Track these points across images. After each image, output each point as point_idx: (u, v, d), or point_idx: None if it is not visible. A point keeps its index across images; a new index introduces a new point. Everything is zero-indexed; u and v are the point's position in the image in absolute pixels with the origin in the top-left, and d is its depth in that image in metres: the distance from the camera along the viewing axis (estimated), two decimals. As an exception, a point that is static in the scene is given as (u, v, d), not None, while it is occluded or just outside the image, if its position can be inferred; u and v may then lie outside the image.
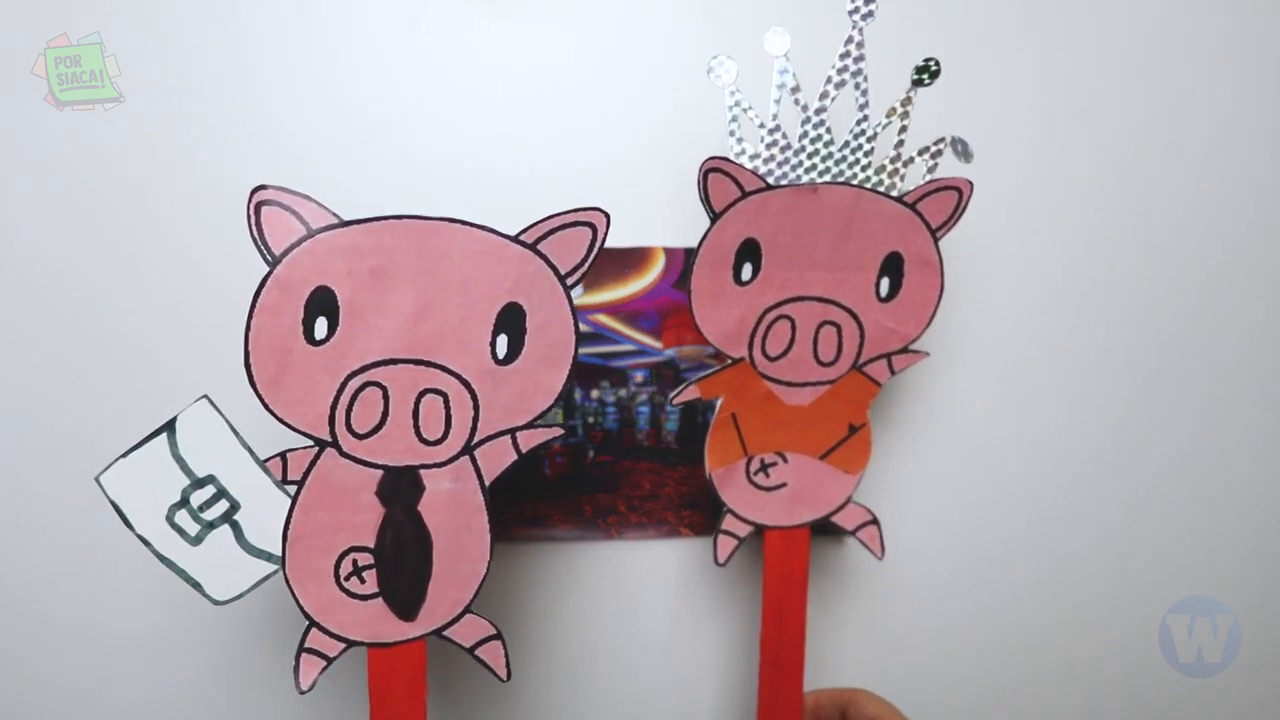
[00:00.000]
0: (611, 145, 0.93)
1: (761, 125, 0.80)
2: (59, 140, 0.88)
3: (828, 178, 0.81)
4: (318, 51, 0.90)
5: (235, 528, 0.65)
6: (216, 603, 0.65)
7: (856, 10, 0.79)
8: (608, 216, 0.67)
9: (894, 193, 0.80)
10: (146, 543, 0.64)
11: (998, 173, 0.94)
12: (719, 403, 0.82)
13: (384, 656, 0.70)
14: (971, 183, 0.79)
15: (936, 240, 0.81)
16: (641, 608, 1.00)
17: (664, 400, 0.95)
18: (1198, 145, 1.01)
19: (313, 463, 0.66)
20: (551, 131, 0.93)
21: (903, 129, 0.81)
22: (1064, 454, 1.04)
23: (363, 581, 0.68)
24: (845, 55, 0.79)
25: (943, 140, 0.81)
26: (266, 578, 0.66)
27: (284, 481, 0.66)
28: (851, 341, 0.82)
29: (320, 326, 0.64)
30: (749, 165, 0.79)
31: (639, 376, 0.95)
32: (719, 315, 0.79)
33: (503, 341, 0.67)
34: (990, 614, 1.05)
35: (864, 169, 0.81)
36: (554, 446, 0.71)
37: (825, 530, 0.87)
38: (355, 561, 0.68)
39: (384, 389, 0.65)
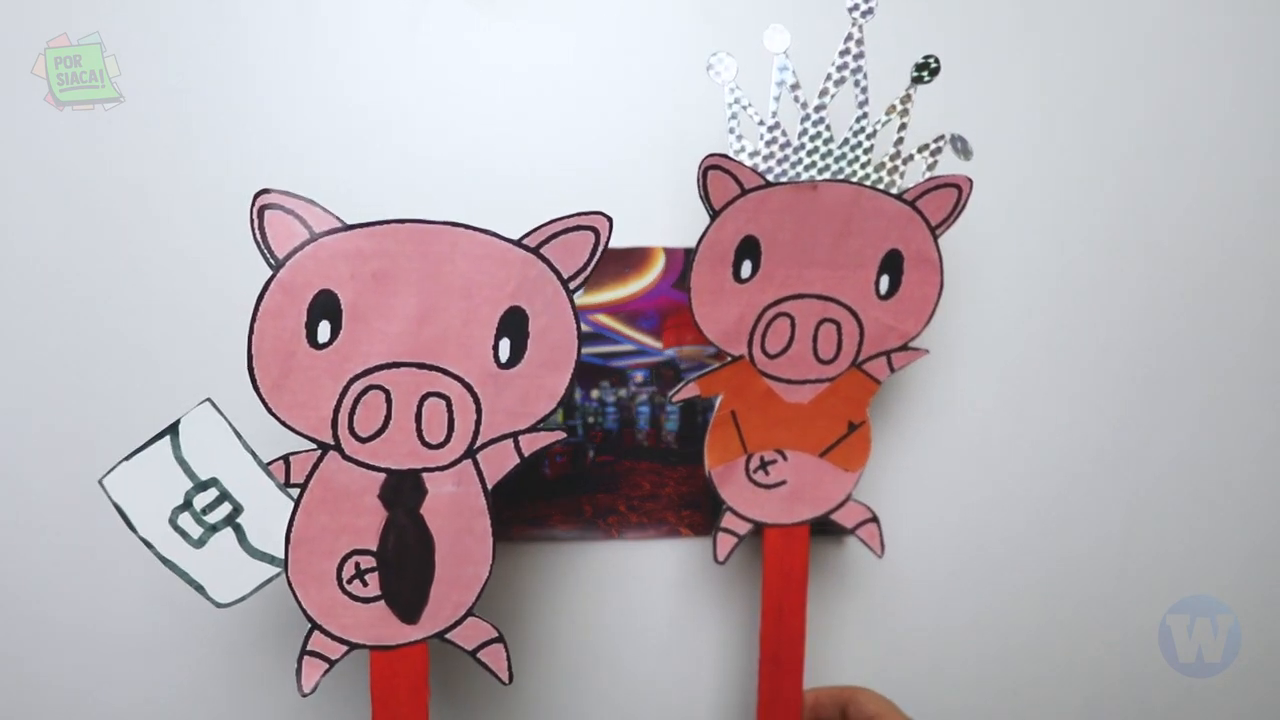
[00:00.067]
0: (611, 145, 0.93)
1: (761, 123, 0.80)
2: (59, 140, 0.88)
3: (827, 175, 0.81)
4: (318, 51, 0.90)
5: (238, 530, 0.65)
6: (219, 605, 0.65)
7: (856, 8, 0.79)
8: (610, 220, 0.67)
9: (893, 190, 0.80)
10: (149, 545, 0.64)
11: (998, 172, 0.94)
12: (718, 401, 0.82)
13: (386, 659, 0.70)
14: (971, 180, 0.79)
15: (936, 238, 0.81)
16: (641, 607, 1.00)
17: (664, 400, 0.95)
18: (1198, 145, 1.01)
19: (315, 466, 0.66)
20: (551, 131, 0.93)
21: (902, 126, 0.81)
22: (1064, 454, 1.04)
23: (365, 584, 0.68)
24: (845, 52, 0.80)
25: (942, 138, 0.81)
26: (269, 580, 0.66)
27: (287, 484, 0.66)
28: (851, 339, 0.82)
29: (323, 330, 0.64)
30: (748, 163, 0.79)
31: (639, 376, 0.95)
32: (718, 313, 0.79)
33: (505, 345, 0.67)
34: (990, 614, 1.05)
35: (863, 166, 0.81)
36: (554, 446, 0.71)
37: (825, 529, 0.87)
38: (358, 564, 0.68)
39: (387, 392, 0.65)
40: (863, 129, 0.80)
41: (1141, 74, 1.00)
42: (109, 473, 0.63)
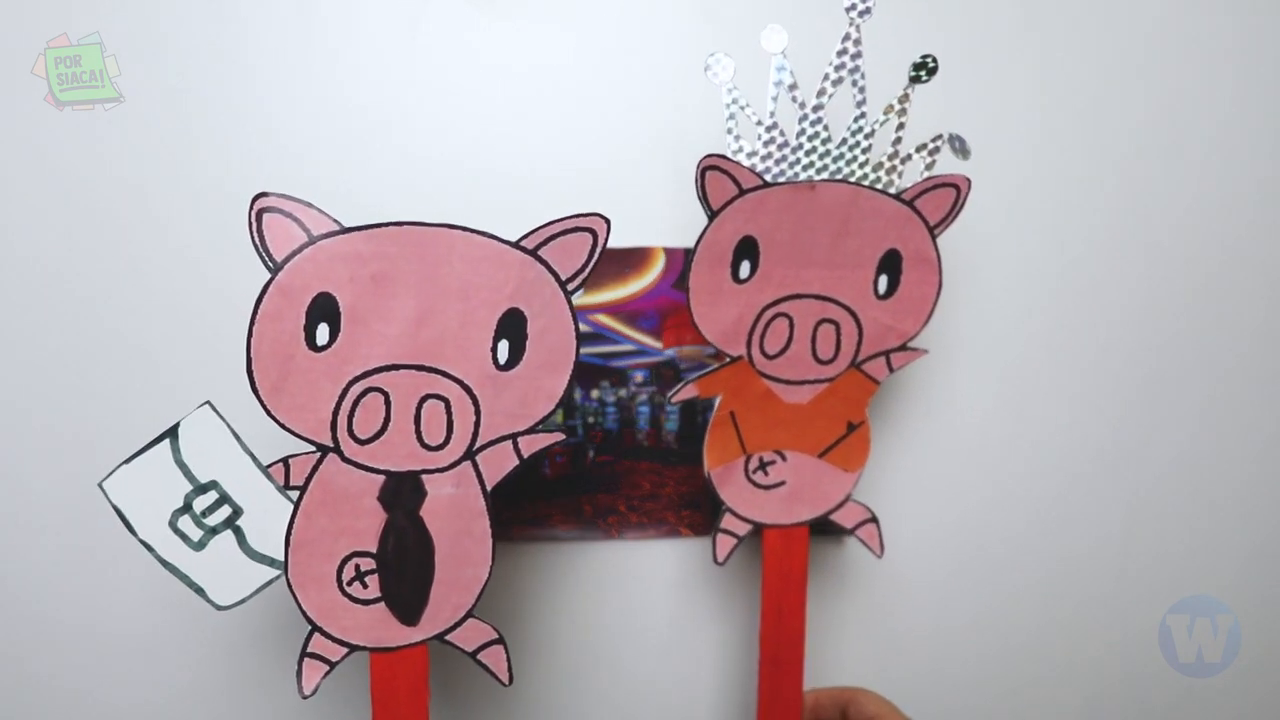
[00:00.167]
0: (611, 145, 0.93)
1: (759, 123, 0.80)
2: (59, 140, 0.88)
3: (825, 175, 0.81)
4: (318, 51, 0.90)
5: (238, 533, 0.65)
6: (219, 608, 0.66)
7: (854, 7, 0.79)
8: (608, 222, 0.67)
9: (892, 190, 0.80)
10: (150, 548, 0.64)
11: (997, 171, 0.94)
12: (717, 401, 0.82)
13: (386, 661, 0.70)
14: (969, 179, 0.79)
15: (934, 237, 0.81)
16: (641, 608, 1.00)
17: (664, 400, 0.95)
18: (1198, 145, 1.01)
19: (315, 468, 0.66)
20: (551, 131, 0.93)
21: (900, 126, 0.81)
22: (1064, 454, 1.04)
23: (365, 586, 0.68)
24: (843, 52, 0.80)
25: (940, 137, 0.81)
26: (269, 583, 0.66)
27: (286, 487, 0.66)
28: (850, 339, 0.82)
29: (322, 333, 0.64)
30: (746, 163, 0.80)
31: (639, 376, 0.95)
32: (717, 313, 0.79)
33: (504, 347, 0.67)
34: (990, 614, 1.05)
35: (861, 166, 0.81)
36: (554, 446, 0.71)
37: (824, 529, 0.87)
38: (358, 566, 0.68)
39: (386, 394, 0.65)
40: (861, 129, 0.80)
41: (1141, 74, 1.00)
42: (109, 476, 0.63)
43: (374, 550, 0.68)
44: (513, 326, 0.67)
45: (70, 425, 0.90)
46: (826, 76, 0.80)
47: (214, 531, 0.65)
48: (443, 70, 0.91)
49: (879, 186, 0.80)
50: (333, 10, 0.89)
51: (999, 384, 1.02)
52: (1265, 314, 1.04)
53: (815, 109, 0.80)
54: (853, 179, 0.81)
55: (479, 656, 0.71)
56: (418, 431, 0.67)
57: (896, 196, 0.79)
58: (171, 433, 0.63)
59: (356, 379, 0.65)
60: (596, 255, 0.67)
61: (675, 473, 0.97)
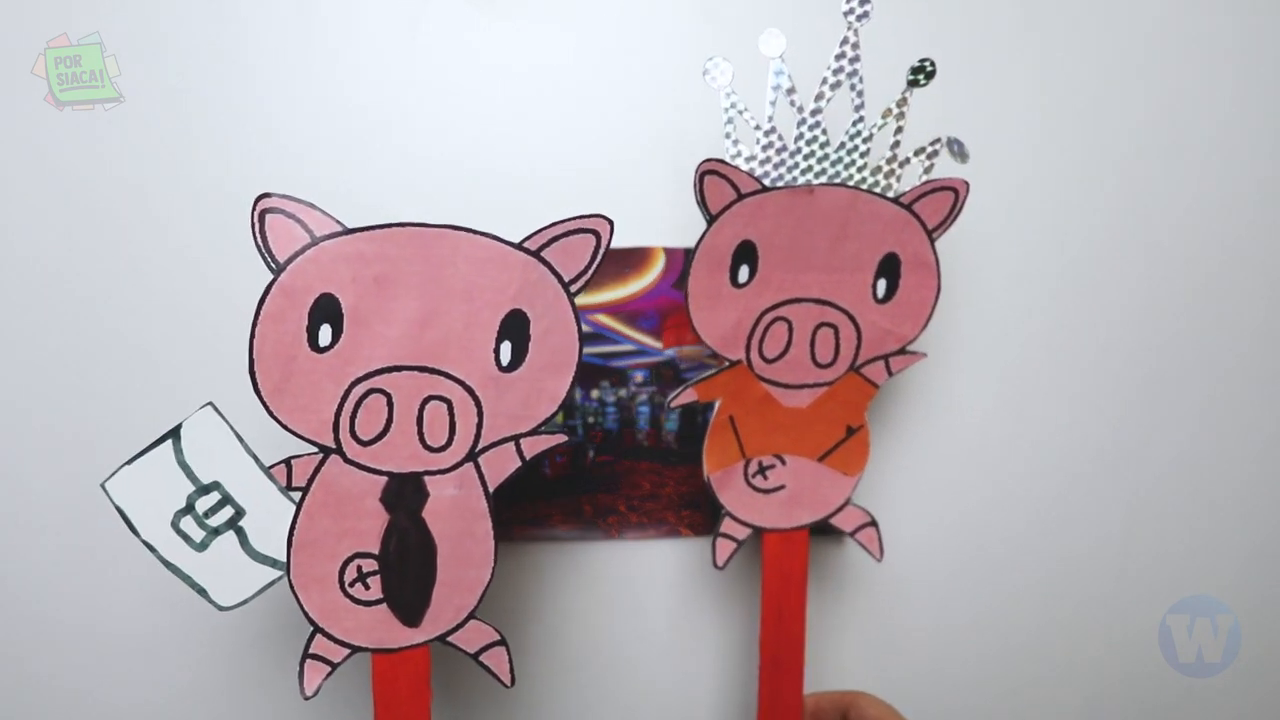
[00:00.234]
0: (611, 145, 0.93)
1: (757, 127, 0.80)
2: (59, 140, 0.87)
3: (824, 179, 0.81)
4: (318, 51, 0.90)
5: (240, 534, 0.65)
6: (221, 608, 0.66)
7: (851, 11, 0.79)
8: (611, 224, 0.67)
9: (890, 194, 0.80)
10: (152, 549, 0.64)
11: (997, 173, 0.94)
12: (716, 405, 0.82)
13: (388, 662, 0.70)
14: (967, 183, 0.80)
15: (933, 241, 0.81)
16: (641, 608, 1.00)
17: (664, 400, 0.95)
18: (1198, 145, 1.01)
19: (317, 469, 0.66)
20: (551, 131, 0.93)
21: (898, 130, 0.81)
22: (1064, 454, 1.04)
23: (367, 588, 0.68)
24: (840, 56, 0.80)
25: (938, 141, 0.81)
26: (271, 584, 0.66)
27: (288, 488, 0.66)
28: (849, 343, 0.82)
29: (324, 334, 0.64)
30: (745, 167, 0.80)
31: (639, 376, 0.95)
32: (716, 317, 0.79)
33: (506, 348, 0.67)
34: (990, 614, 1.05)
35: (860, 170, 0.81)
36: (555, 447, 0.71)
37: (825, 530, 0.87)
38: (360, 568, 0.68)
39: (388, 396, 0.65)
40: (859, 133, 0.81)
41: (1141, 74, 1.00)
42: (111, 476, 0.63)
43: (376, 551, 0.68)
44: (515, 328, 0.67)
45: (70, 425, 0.90)
46: (824, 80, 0.80)
47: (216, 532, 0.65)
48: (443, 70, 0.91)
49: (877, 190, 0.80)
50: (333, 10, 0.89)
51: (998, 385, 1.02)
52: (1265, 314, 1.04)
53: (813, 113, 0.80)
54: (851, 183, 0.81)
55: (481, 658, 0.71)
56: (420, 433, 0.67)
57: (895, 200, 0.79)
58: (174, 433, 0.63)
59: (359, 380, 0.65)
60: (599, 257, 0.68)
61: (675, 473, 0.97)
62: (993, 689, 1.06)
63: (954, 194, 0.80)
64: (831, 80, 0.80)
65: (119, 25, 0.87)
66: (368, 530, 0.67)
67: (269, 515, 0.66)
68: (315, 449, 0.66)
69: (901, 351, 0.84)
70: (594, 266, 0.68)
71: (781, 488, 0.85)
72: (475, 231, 0.65)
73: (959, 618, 1.05)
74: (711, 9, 0.93)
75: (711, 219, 0.76)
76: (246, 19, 0.89)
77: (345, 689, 0.77)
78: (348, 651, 0.69)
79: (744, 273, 0.78)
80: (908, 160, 0.81)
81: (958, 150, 0.82)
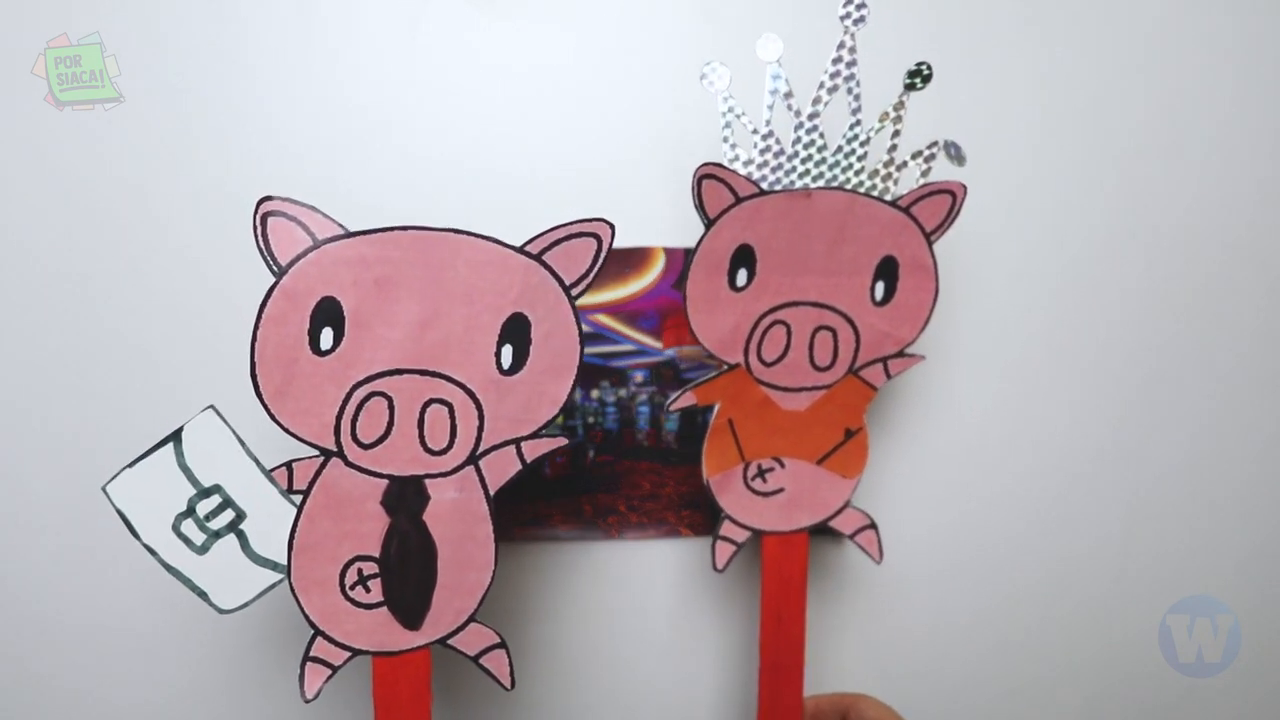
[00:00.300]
0: (611, 145, 0.93)
1: (755, 131, 0.80)
2: (59, 140, 0.87)
3: (821, 183, 0.81)
4: (318, 51, 0.90)
5: (241, 537, 0.65)
6: (222, 611, 0.66)
7: (848, 15, 0.79)
8: (613, 227, 0.67)
9: (888, 197, 0.81)
10: (153, 552, 0.64)
11: (996, 173, 0.95)
12: (715, 409, 0.83)
13: (389, 665, 0.70)
14: (965, 186, 0.80)
15: (931, 244, 0.81)
16: (641, 608, 1.00)
17: (663, 401, 0.95)
18: (1198, 145, 1.01)
19: (318, 472, 0.66)
20: (551, 131, 0.92)
21: (896, 133, 0.82)
22: (1064, 454, 1.04)
23: (368, 591, 0.68)
24: (837, 60, 0.80)
25: (936, 144, 0.82)
26: (272, 587, 0.66)
27: (289, 491, 0.66)
28: (847, 346, 0.82)
29: (326, 337, 0.64)
30: (742, 171, 0.80)
31: (639, 376, 0.95)
32: (714, 321, 0.80)
33: (508, 352, 0.67)
34: (990, 614, 1.05)
35: (857, 173, 0.81)
36: (555, 447, 0.72)
37: (824, 531, 0.87)
38: (360, 571, 0.68)
39: (389, 399, 0.66)
40: (856, 136, 0.81)
41: (1141, 73, 1.00)
42: (112, 479, 0.63)
43: (377, 554, 0.68)
44: (516, 331, 0.67)
45: (70, 425, 0.90)
46: (822, 84, 0.80)
47: (217, 535, 0.65)
48: (443, 70, 0.91)
49: (875, 194, 0.80)
50: (333, 10, 0.89)
51: (998, 385, 1.02)
52: (1265, 314, 1.04)
53: (811, 116, 0.80)
54: (848, 186, 0.81)
55: (481, 661, 0.71)
56: (421, 436, 0.67)
57: (892, 203, 0.79)
58: (175, 437, 0.64)
59: (360, 383, 0.65)
60: (600, 261, 0.68)
61: (675, 473, 0.97)
62: (992, 689, 1.06)
63: (951, 197, 0.80)
64: (829, 84, 0.80)
65: (119, 25, 0.87)
66: (369, 533, 0.68)
67: (270, 518, 0.66)
68: (316, 452, 0.66)
69: (900, 354, 0.84)
70: (595, 270, 0.68)
71: (781, 490, 0.85)
72: (477, 235, 0.65)
73: (958, 618, 1.05)
74: (711, 10, 0.93)
75: (709, 223, 0.77)
76: (246, 19, 0.89)
77: (346, 692, 0.77)
78: (348, 654, 0.69)
79: (742, 276, 0.79)
80: (905, 163, 0.82)
81: (954, 153, 0.82)
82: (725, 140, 0.80)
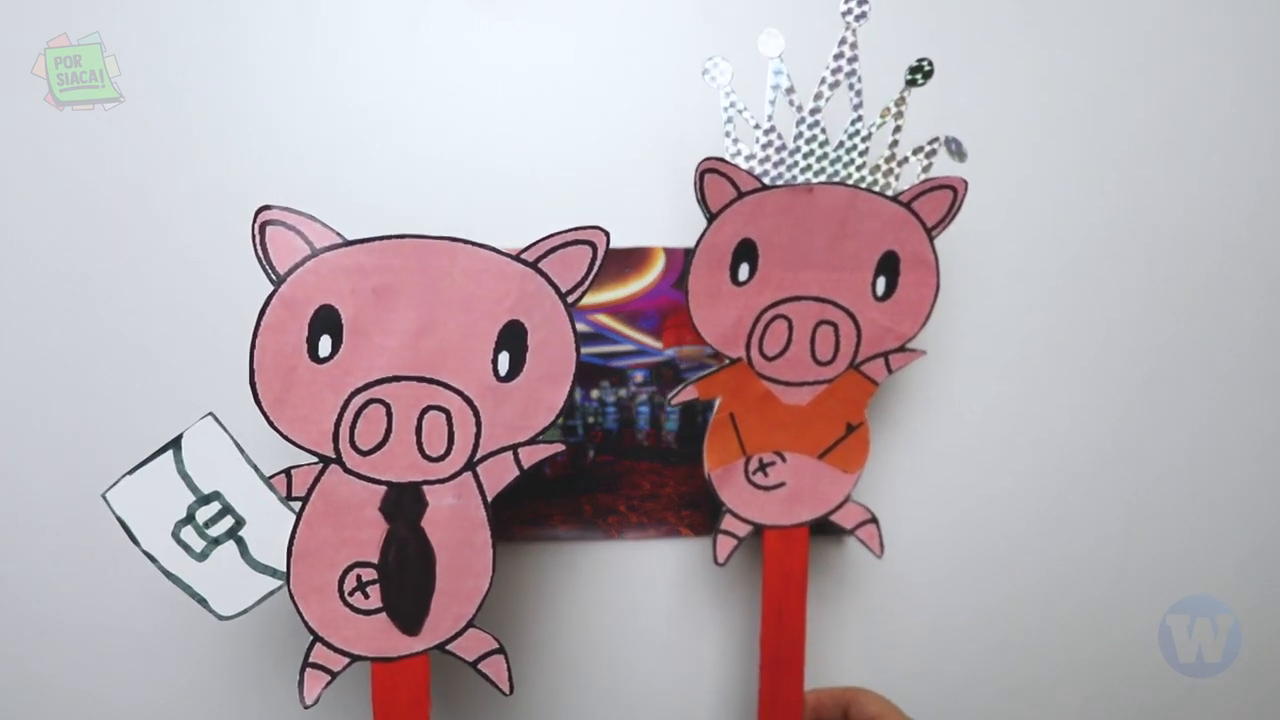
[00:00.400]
0: (611, 145, 0.93)
1: (757, 126, 0.80)
2: (59, 140, 0.88)
3: (823, 178, 0.81)
4: (318, 51, 0.90)
5: (240, 544, 0.65)
6: (222, 618, 0.66)
7: (850, 11, 0.79)
8: (608, 235, 0.67)
9: (889, 192, 0.81)
10: (153, 559, 0.64)
11: (996, 171, 0.94)
12: (717, 403, 0.83)
13: (388, 671, 0.70)
14: (966, 181, 0.80)
15: (932, 239, 0.81)
16: (641, 607, 1.00)
17: (664, 400, 0.95)
18: (1198, 145, 1.01)
19: (317, 479, 0.66)
20: (551, 131, 0.92)
21: (897, 129, 0.82)
22: (1064, 454, 1.04)
23: (367, 597, 0.68)
24: (839, 56, 0.80)
25: (937, 140, 0.82)
26: (271, 593, 0.67)
27: (288, 498, 0.66)
28: (848, 341, 0.82)
29: (324, 344, 0.64)
30: (744, 166, 0.80)
31: (639, 376, 0.95)
32: (716, 315, 0.80)
33: (504, 359, 0.67)
34: (990, 613, 1.05)
35: (859, 169, 0.81)
36: (554, 447, 0.72)
37: (824, 529, 0.88)
38: (359, 577, 0.68)
39: (387, 406, 0.66)
40: (858, 131, 0.81)
41: (1142, 73, 1.00)
42: (112, 486, 0.63)
43: (375, 561, 0.68)
44: (513, 338, 0.67)
45: (70, 426, 0.90)
46: (823, 80, 0.80)
47: (216, 542, 0.65)
48: (443, 70, 0.91)
49: (876, 189, 0.81)
50: (333, 10, 0.89)
51: (998, 383, 1.02)
52: (1265, 314, 1.04)
53: (812, 112, 0.80)
54: (850, 181, 0.81)
55: (480, 666, 0.72)
56: (419, 443, 0.67)
57: (894, 199, 0.79)
58: (175, 444, 0.64)
59: (358, 390, 0.65)
60: (596, 268, 0.68)
61: (675, 473, 0.97)
62: (992, 688, 1.07)
63: (953, 192, 0.80)
64: (830, 80, 0.80)
65: (119, 25, 0.87)
66: (367, 540, 0.68)
67: (269, 525, 0.66)
68: (315, 459, 0.66)
69: (901, 349, 0.84)
70: (590, 278, 0.68)
71: (782, 485, 0.85)
72: (474, 243, 0.65)
73: (959, 616, 1.05)
74: (711, 9, 0.93)
75: (712, 217, 0.77)
76: (246, 19, 0.89)
77: (345, 697, 0.77)
78: (347, 660, 0.69)
79: (744, 271, 0.79)
80: (906, 159, 0.82)
81: (956, 149, 0.82)
82: (727, 135, 0.80)
